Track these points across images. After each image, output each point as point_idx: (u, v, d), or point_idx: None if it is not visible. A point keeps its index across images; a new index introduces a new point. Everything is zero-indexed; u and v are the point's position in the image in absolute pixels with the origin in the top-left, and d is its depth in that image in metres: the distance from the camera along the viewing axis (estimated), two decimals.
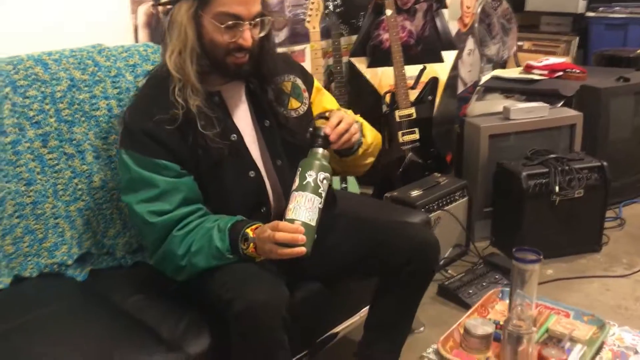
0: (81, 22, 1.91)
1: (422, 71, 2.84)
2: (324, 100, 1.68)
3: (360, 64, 3.08)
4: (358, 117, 1.62)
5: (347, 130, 1.42)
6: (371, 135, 1.61)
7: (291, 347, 1.37)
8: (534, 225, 2.48)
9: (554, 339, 1.36)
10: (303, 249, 1.28)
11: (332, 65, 2.92)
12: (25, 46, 1.68)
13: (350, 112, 1.69)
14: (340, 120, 1.42)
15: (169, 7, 1.41)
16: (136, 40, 2.13)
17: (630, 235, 2.77)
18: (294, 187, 1.35)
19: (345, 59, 3.08)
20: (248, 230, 1.35)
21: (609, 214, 2.90)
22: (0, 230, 1.52)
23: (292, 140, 1.52)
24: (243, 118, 1.50)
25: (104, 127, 1.69)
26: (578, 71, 3.23)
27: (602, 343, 1.36)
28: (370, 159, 1.66)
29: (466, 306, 2.16)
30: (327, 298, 1.65)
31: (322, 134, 1.38)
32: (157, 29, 2.17)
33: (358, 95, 3.11)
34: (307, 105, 1.61)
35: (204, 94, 1.40)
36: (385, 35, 2.88)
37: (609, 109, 2.86)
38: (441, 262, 2.43)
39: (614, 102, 2.87)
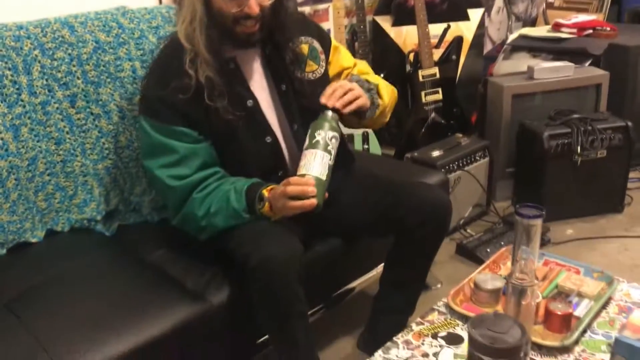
0: None
1: (446, 30, 2.82)
2: (342, 59, 1.69)
3: (385, 22, 3.07)
4: (373, 77, 1.64)
5: (346, 93, 1.44)
6: (387, 94, 1.62)
7: (308, 300, 1.43)
8: (556, 185, 2.48)
9: (562, 294, 1.40)
10: (314, 201, 1.32)
11: (355, 24, 2.92)
12: (52, 9, 1.73)
13: (364, 64, 1.72)
14: (334, 89, 1.44)
15: None
16: (160, 1, 2.17)
17: None
18: (305, 146, 1.40)
19: (369, 17, 3.08)
20: (264, 191, 1.41)
21: (634, 174, 2.87)
22: (33, 187, 1.60)
23: (308, 105, 1.54)
24: (259, 83, 1.53)
25: (129, 88, 1.75)
26: (608, 29, 3.15)
27: (610, 298, 1.39)
28: (389, 116, 1.68)
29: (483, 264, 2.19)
30: (344, 254, 1.71)
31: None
32: None
33: (382, 54, 3.11)
34: (324, 67, 1.63)
35: (218, 61, 1.42)
36: None
37: (638, 68, 2.80)
38: (461, 222, 2.46)
39: None
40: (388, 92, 1.63)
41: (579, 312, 1.33)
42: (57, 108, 1.64)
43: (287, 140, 1.57)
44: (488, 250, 2.27)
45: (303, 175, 1.35)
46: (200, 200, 1.45)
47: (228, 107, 1.43)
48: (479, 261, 2.24)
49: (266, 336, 1.54)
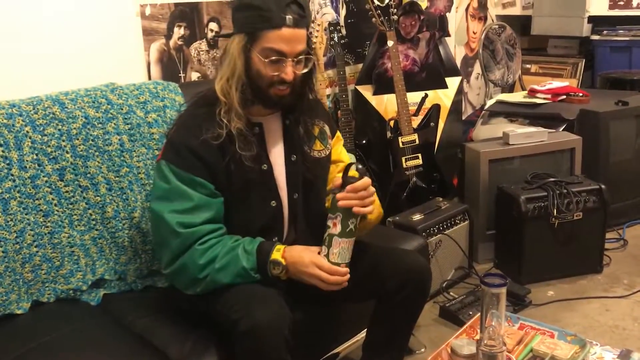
0: (97, 60, 2.05)
1: (423, 99, 2.93)
2: (341, 151, 1.77)
3: (366, 91, 3.19)
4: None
5: (365, 202, 1.49)
6: (375, 214, 1.63)
7: None
8: (535, 247, 2.54)
9: (537, 358, 1.43)
10: (344, 285, 1.50)
11: (338, 94, 3.03)
12: (44, 87, 1.82)
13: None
14: (361, 192, 1.48)
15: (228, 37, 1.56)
16: (149, 75, 2.27)
17: (632, 256, 2.82)
18: (336, 232, 1.49)
19: (351, 87, 3.20)
20: (278, 256, 1.48)
21: (612, 235, 2.95)
22: (20, 259, 1.64)
23: (310, 178, 1.64)
24: (276, 151, 1.62)
25: (116, 160, 1.81)
26: (581, 94, 3.30)
27: None
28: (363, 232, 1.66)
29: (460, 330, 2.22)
30: (327, 319, 1.74)
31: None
32: (168, 65, 2.31)
33: (364, 121, 3.21)
34: (329, 151, 1.71)
35: (246, 121, 1.52)
36: (390, 64, 2.98)
37: (609, 132, 2.92)
38: (444, 284, 2.50)
39: (614, 126, 2.93)
40: (376, 215, 1.64)
41: None
42: (46, 181, 1.70)
43: (287, 207, 1.63)
44: (470, 313, 2.30)
45: (337, 264, 1.49)
46: (202, 252, 1.48)
47: (251, 159, 1.51)
48: (462, 324, 2.27)
49: None
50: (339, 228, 1.48)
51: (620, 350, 1.45)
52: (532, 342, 1.48)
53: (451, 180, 3.16)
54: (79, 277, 1.75)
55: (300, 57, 1.51)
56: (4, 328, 1.59)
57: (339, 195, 1.47)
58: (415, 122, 2.91)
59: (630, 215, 3.11)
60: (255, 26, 1.46)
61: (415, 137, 2.84)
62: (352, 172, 1.50)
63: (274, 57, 1.47)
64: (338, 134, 1.78)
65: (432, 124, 2.91)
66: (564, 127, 3.03)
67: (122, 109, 1.85)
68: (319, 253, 1.50)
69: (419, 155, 2.86)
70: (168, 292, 1.79)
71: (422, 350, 2.15)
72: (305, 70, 1.54)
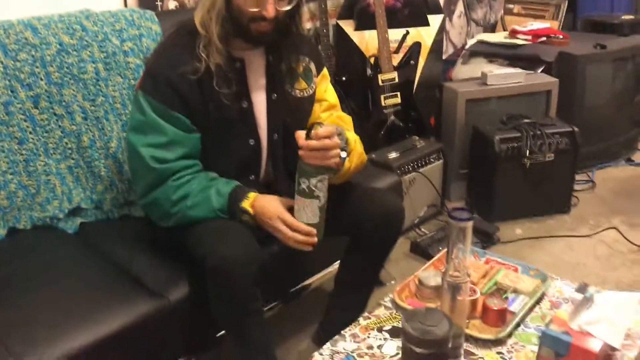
0: None
1: (405, 36, 2.92)
2: (326, 90, 1.73)
3: (348, 26, 3.15)
4: (352, 134, 1.64)
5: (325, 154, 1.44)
6: (357, 159, 1.62)
7: (265, 296, 1.50)
8: (506, 186, 2.61)
9: (500, 291, 1.50)
10: (310, 248, 1.50)
11: (319, 28, 2.99)
12: (15, 11, 1.77)
13: (348, 118, 1.76)
14: (328, 135, 1.42)
15: None
16: (125, 3, 2.21)
17: (600, 197, 2.90)
18: (295, 188, 1.47)
19: (332, 21, 3.15)
20: (247, 205, 1.48)
21: (582, 177, 3.03)
22: None
23: (290, 119, 1.62)
24: (257, 88, 1.58)
25: (92, 89, 1.79)
26: (561, 37, 3.30)
27: (543, 294, 1.49)
28: (347, 178, 1.64)
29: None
30: (299, 252, 1.78)
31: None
32: None
33: (345, 57, 3.19)
34: (312, 90, 1.68)
35: (227, 56, 1.48)
36: None
37: (585, 75, 2.95)
38: (416, 221, 2.57)
39: (590, 69, 2.95)
40: (357, 156, 1.62)
41: (514, 307, 1.43)
42: (20, 108, 1.68)
43: (266, 146, 1.62)
44: (440, 248, 2.37)
45: (305, 223, 1.47)
46: (175, 188, 1.48)
47: (230, 96, 1.49)
48: (431, 258, 2.35)
49: (221, 333, 1.61)
50: (295, 186, 1.47)
51: (578, 284, 1.52)
52: (497, 276, 1.55)
53: (429, 119, 3.18)
54: (56, 205, 1.76)
55: None
56: None
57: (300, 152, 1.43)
58: (396, 59, 2.90)
59: (601, 158, 3.18)
60: None
61: (394, 75, 2.84)
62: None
63: None
64: (324, 71, 1.73)
65: (412, 62, 2.91)
66: (542, 68, 3.04)
67: (97, 37, 1.81)
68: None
69: (398, 93, 2.86)
70: (144, 221, 1.81)
71: (392, 282, 2.23)
72: (288, 8, 1.48)
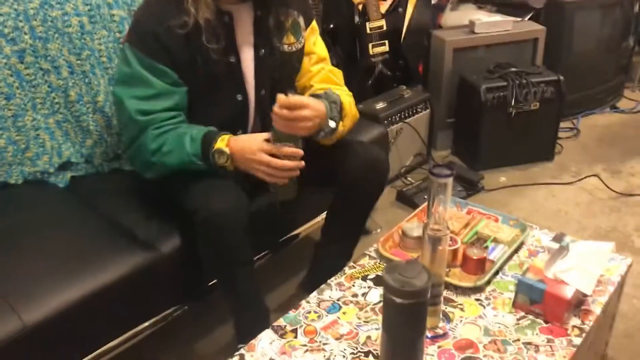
0: None
1: None
2: (315, 43, 1.72)
3: None
4: (346, 96, 1.66)
5: (292, 119, 1.47)
6: (349, 120, 1.64)
7: (255, 246, 1.55)
8: (492, 135, 2.64)
9: (480, 240, 1.56)
10: (297, 173, 1.51)
11: None
12: None
13: (339, 73, 1.75)
14: (299, 106, 1.46)
15: None
16: None
17: (583, 145, 2.95)
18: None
19: None
20: (222, 145, 1.46)
21: (567, 124, 3.06)
22: None
23: (278, 74, 1.62)
24: (245, 44, 1.57)
25: (77, 43, 1.78)
26: None
27: (522, 243, 1.55)
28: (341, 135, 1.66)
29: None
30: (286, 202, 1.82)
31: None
32: None
33: (332, 5, 3.15)
34: (301, 44, 1.67)
35: (215, 10, 1.47)
36: None
37: (573, 23, 2.94)
38: (402, 170, 2.61)
39: (578, 16, 2.94)
40: (350, 118, 1.65)
41: (494, 256, 1.49)
42: (6, 64, 1.67)
43: (254, 102, 1.63)
44: (425, 197, 2.42)
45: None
46: (154, 137, 1.49)
47: (219, 51, 1.49)
48: (417, 207, 2.41)
49: (212, 282, 1.67)
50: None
51: (555, 233, 1.58)
52: (478, 226, 1.60)
53: (417, 67, 3.17)
54: (46, 160, 1.78)
55: None
56: None
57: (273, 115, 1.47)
58: (384, 7, 2.87)
59: (586, 106, 3.21)
60: None
61: (382, 22, 2.81)
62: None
63: None
64: (313, 24, 1.72)
65: (400, 9, 2.88)
66: (530, 15, 3.03)
67: None
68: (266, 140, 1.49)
69: (386, 42, 2.85)
70: (134, 175, 1.85)
71: (378, 230, 2.29)
72: None
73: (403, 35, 2.98)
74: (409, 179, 2.61)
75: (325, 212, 1.83)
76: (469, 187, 2.53)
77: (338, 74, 1.76)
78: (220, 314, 1.76)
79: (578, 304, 1.33)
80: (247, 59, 1.58)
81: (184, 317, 1.66)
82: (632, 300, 1.90)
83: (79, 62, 1.79)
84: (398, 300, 1.03)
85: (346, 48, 2.91)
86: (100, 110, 1.85)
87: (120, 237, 1.57)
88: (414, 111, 2.58)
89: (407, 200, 2.44)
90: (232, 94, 1.59)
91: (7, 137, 1.70)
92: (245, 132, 1.64)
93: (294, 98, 1.46)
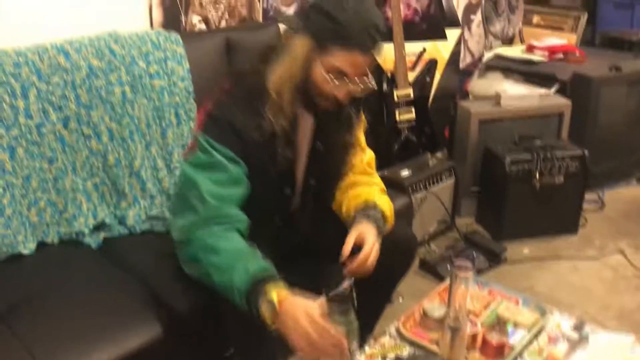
0: (99, 2, 2.06)
1: (421, 53, 2.97)
2: (361, 135, 1.73)
3: None
4: (381, 201, 1.65)
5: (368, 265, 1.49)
6: (390, 216, 1.64)
7: None
8: (516, 206, 2.67)
9: (500, 323, 1.57)
10: None
11: None
12: (47, 33, 1.85)
13: (372, 159, 1.77)
14: (363, 268, 1.49)
15: (292, 30, 1.47)
16: (150, 19, 2.28)
17: (608, 218, 2.95)
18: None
19: None
20: (274, 295, 1.27)
21: (592, 196, 3.07)
22: (27, 203, 1.74)
23: (331, 165, 1.65)
24: (305, 138, 1.58)
25: (118, 111, 1.88)
26: (577, 54, 3.33)
27: (542, 328, 1.56)
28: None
29: (443, 280, 2.37)
30: (312, 273, 1.86)
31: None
32: (169, 7, 2.31)
33: None
34: (353, 137, 1.68)
35: (292, 120, 1.48)
36: (390, 13, 2.99)
37: (599, 97, 2.99)
38: (425, 237, 2.63)
39: (604, 91, 2.99)
40: (389, 209, 1.65)
41: (513, 340, 1.50)
42: (51, 130, 1.77)
43: (300, 191, 1.63)
44: (448, 267, 2.44)
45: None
46: (212, 235, 1.40)
47: (286, 156, 1.51)
48: (440, 277, 2.43)
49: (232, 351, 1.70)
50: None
51: (576, 320, 1.59)
52: (498, 308, 1.62)
53: (443, 131, 3.23)
54: (81, 221, 1.85)
55: (361, 78, 1.44)
56: (11, 267, 1.71)
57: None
58: (412, 75, 2.95)
59: (613, 178, 3.22)
60: (328, 39, 1.39)
61: (410, 91, 2.89)
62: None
63: (336, 76, 1.41)
64: (362, 116, 1.73)
65: (427, 78, 2.96)
66: (557, 86, 3.08)
67: (124, 60, 1.90)
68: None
69: (412, 109, 2.92)
70: (165, 237, 1.91)
71: (400, 300, 2.30)
72: (360, 93, 1.48)
73: (430, 102, 3.06)
74: (433, 246, 2.63)
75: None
76: (492, 259, 2.54)
77: (372, 162, 1.78)
78: None
79: None
80: (303, 153, 1.59)
81: None
82: None
83: (118, 128, 1.89)
84: None
85: (373, 113, 2.98)
86: (136, 174, 1.93)
87: (148, 301, 1.61)
88: (439, 179, 2.62)
89: (430, 269, 2.46)
90: (281, 189, 1.59)
91: (47, 199, 1.78)
92: (284, 221, 1.63)
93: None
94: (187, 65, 2.06)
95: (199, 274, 1.43)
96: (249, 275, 1.30)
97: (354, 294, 1.25)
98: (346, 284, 1.36)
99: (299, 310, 1.23)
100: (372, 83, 1.46)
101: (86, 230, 1.86)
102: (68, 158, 1.82)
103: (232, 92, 1.51)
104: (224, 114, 1.47)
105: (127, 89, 1.89)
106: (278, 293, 1.27)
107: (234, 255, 1.36)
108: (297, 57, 1.42)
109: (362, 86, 1.46)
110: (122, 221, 1.94)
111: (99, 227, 1.90)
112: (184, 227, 1.45)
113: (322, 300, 1.23)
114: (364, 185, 1.70)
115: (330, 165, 1.65)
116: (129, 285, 1.68)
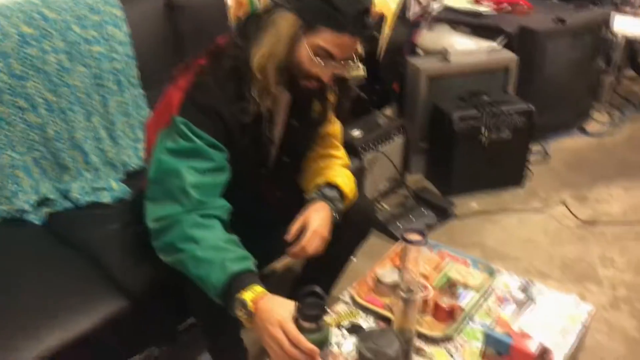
0: None
1: None
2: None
3: None
4: (341, 178, 1.63)
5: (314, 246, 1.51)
6: (351, 192, 1.64)
7: None
8: (464, 162, 2.71)
9: (451, 285, 1.61)
10: None
11: None
12: None
13: (338, 128, 1.75)
14: (307, 251, 1.51)
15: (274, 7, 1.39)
16: None
17: (552, 170, 3.04)
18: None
19: None
20: (248, 298, 1.23)
21: (537, 148, 3.14)
22: None
23: (306, 142, 1.63)
24: (281, 115, 1.54)
25: (55, 81, 1.79)
26: (525, 6, 3.34)
27: (491, 289, 1.61)
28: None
29: (395, 238, 2.41)
30: (268, 238, 1.85)
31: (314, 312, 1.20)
32: None
33: None
34: (325, 112, 1.63)
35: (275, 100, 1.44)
36: None
37: (545, 51, 3.02)
38: (376, 195, 2.66)
39: (549, 44, 3.02)
40: (351, 197, 1.65)
41: (464, 303, 1.55)
42: None
43: (274, 170, 1.61)
44: (399, 224, 2.48)
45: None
46: (194, 225, 1.33)
47: (268, 138, 1.49)
48: (391, 235, 2.46)
49: (188, 321, 1.70)
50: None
51: (523, 280, 1.65)
52: (448, 270, 1.66)
53: (393, 86, 3.22)
54: (23, 198, 1.78)
55: (347, 61, 1.41)
56: None
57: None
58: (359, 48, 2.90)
59: (557, 129, 3.30)
60: (319, 20, 1.33)
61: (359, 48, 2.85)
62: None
63: (322, 57, 1.36)
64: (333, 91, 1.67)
65: (376, 34, 2.91)
66: (503, 39, 3.09)
67: (58, 26, 1.80)
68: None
69: (362, 66, 2.88)
70: (113, 208, 1.87)
71: (353, 259, 2.32)
72: (345, 75, 1.46)
73: (380, 58, 3.02)
74: (383, 204, 2.65)
75: None
76: (441, 214, 2.59)
77: (339, 134, 1.76)
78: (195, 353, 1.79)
79: (543, 355, 1.39)
80: (276, 134, 1.56)
81: (163, 357, 1.69)
82: (594, 334, 1.98)
83: (55, 99, 1.80)
84: None
85: None
86: (78, 146, 1.86)
87: (98, 279, 1.59)
88: (389, 138, 2.63)
89: (382, 228, 2.49)
90: (258, 169, 1.56)
91: None
92: (255, 195, 1.60)
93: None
94: (126, 29, 1.96)
95: (176, 263, 1.36)
96: (227, 273, 1.25)
97: (327, 298, 1.21)
98: (285, 261, 1.35)
99: (273, 319, 1.19)
100: (358, 66, 1.43)
101: (28, 207, 1.79)
102: (4, 133, 1.73)
103: (211, 70, 1.43)
104: (206, 97, 1.39)
105: (62, 56, 1.80)
106: (254, 296, 1.23)
107: (213, 247, 1.31)
108: (282, 35, 1.36)
109: (347, 69, 1.43)
110: (66, 195, 1.88)
111: (42, 202, 1.84)
112: (163, 218, 1.36)
113: (295, 308, 1.20)
114: (328, 162, 1.68)
115: (303, 142, 1.64)
116: (78, 262, 1.65)
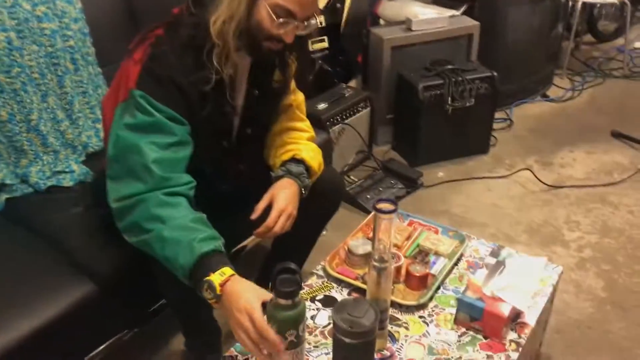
0: None
1: None
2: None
3: None
4: (306, 152, 1.61)
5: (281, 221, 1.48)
6: (317, 165, 1.62)
7: None
8: (430, 131, 2.71)
9: (422, 253, 1.62)
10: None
11: None
12: None
13: (302, 101, 1.71)
14: (273, 229, 1.47)
15: None
16: None
17: (516, 136, 3.07)
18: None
19: None
20: (216, 281, 1.19)
21: (501, 114, 3.17)
22: None
23: (267, 112, 1.59)
24: (240, 88, 1.50)
25: (6, 60, 1.70)
26: None
27: (461, 255, 1.63)
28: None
29: (365, 210, 2.41)
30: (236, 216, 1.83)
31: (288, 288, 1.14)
32: None
33: None
34: (286, 80, 1.60)
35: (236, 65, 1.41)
36: None
37: (507, 17, 3.03)
38: (345, 168, 2.65)
39: (511, 11, 3.03)
40: (318, 171, 1.63)
41: (435, 270, 1.56)
42: None
43: (236, 141, 1.57)
44: (368, 196, 2.48)
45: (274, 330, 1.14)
46: (160, 204, 1.29)
47: (230, 106, 1.44)
48: (361, 207, 2.46)
49: (159, 303, 1.67)
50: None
51: (493, 245, 1.66)
52: (419, 239, 1.66)
53: (356, 58, 3.19)
54: None
55: (308, 20, 1.37)
56: None
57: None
58: (322, 2, 2.86)
59: (519, 96, 3.33)
60: None
61: (321, 18, 2.81)
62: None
63: (283, 18, 1.32)
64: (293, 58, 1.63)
65: (338, 4, 2.88)
66: (466, 8, 3.09)
67: (5, 2, 1.71)
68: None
69: (325, 37, 2.85)
70: (74, 191, 1.82)
71: (324, 232, 2.31)
72: (305, 33, 1.40)
73: (342, 28, 2.99)
74: (352, 177, 2.65)
75: None
76: (409, 185, 2.59)
77: (303, 105, 1.73)
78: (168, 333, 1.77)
79: (515, 318, 1.41)
80: (238, 104, 1.52)
81: (136, 339, 1.66)
82: (562, 295, 2.02)
83: (8, 79, 1.72)
84: (347, 340, 1.07)
85: None
86: (34, 129, 1.79)
87: (63, 265, 1.54)
88: (355, 110, 2.61)
89: (351, 200, 2.49)
90: (220, 141, 1.52)
91: None
92: (220, 171, 1.56)
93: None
94: (79, 5, 1.88)
95: (141, 244, 1.32)
96: (194, 254, 1.21)
97: (300, 274, 1.18)
98: (249, 240, 1.32)
99: (241, 305, 1.15)
100: (319, 23, 1.38)
101: None
102: None
103: (168, 40, 1.38)
104: (164, 68, 1.34)
105: (12, 34, 1.71)
106: (222, 279, 1.19)
107: (181, 227, 1.26)
108: None
109: (309, 28, 1.39)
110: (25, 180, 1.81)
111: (0, 188, 1.77)
112: (126, 197, 1.31)
113: (269, 288, 1.17)
114: (293, 136, 1.65)
115: (265, 112, 1.60)
116: (40, 249, 1.60)
